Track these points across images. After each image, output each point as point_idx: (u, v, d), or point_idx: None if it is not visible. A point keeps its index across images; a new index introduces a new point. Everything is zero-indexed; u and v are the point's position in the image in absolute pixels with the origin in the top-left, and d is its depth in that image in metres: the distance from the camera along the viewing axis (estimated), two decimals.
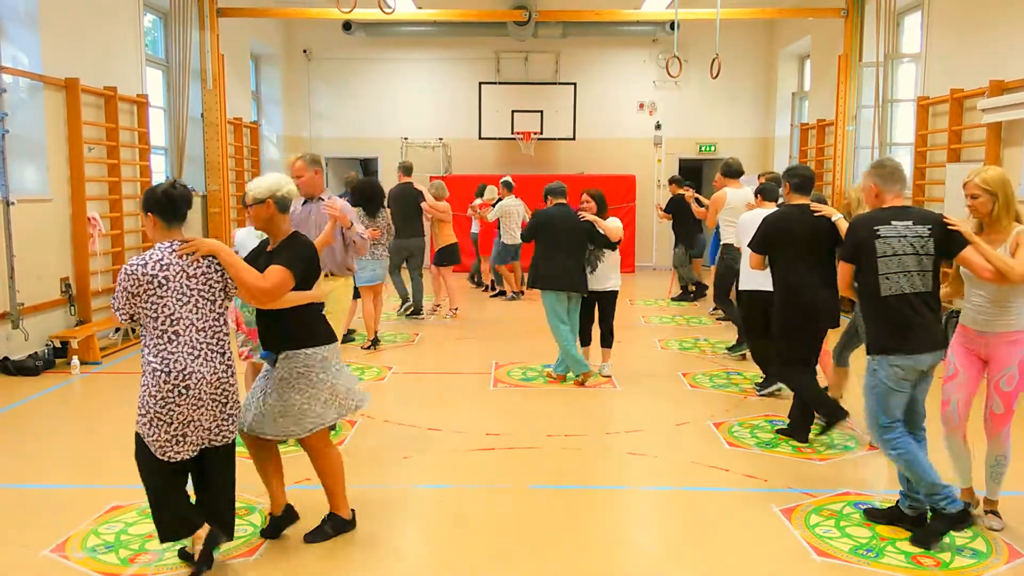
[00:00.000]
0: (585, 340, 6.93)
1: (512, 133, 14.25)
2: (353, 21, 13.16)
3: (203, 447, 3.41)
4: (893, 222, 3.77)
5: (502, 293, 11.30)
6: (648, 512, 4.34)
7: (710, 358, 7.69)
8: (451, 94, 14.77)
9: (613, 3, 12.39)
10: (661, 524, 4.19)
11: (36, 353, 7.21)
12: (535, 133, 14.22)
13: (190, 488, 3.52)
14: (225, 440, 3.47)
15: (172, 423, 3.28)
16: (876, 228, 3.76)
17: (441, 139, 14.86)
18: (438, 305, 9.98)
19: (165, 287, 3.27)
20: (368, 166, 15.90)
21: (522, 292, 11.01)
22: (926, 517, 3.85)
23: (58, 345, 7.41)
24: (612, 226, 6.59)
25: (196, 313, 3.33)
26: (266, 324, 3.68)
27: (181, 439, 3.32)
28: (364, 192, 8.01)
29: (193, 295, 3.33)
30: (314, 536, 3.84)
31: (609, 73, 14.80)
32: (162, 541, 3.45)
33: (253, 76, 13.71)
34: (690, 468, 4.79)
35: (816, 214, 4.95)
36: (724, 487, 4.54)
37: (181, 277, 3.31)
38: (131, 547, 3.76)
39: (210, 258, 3.39)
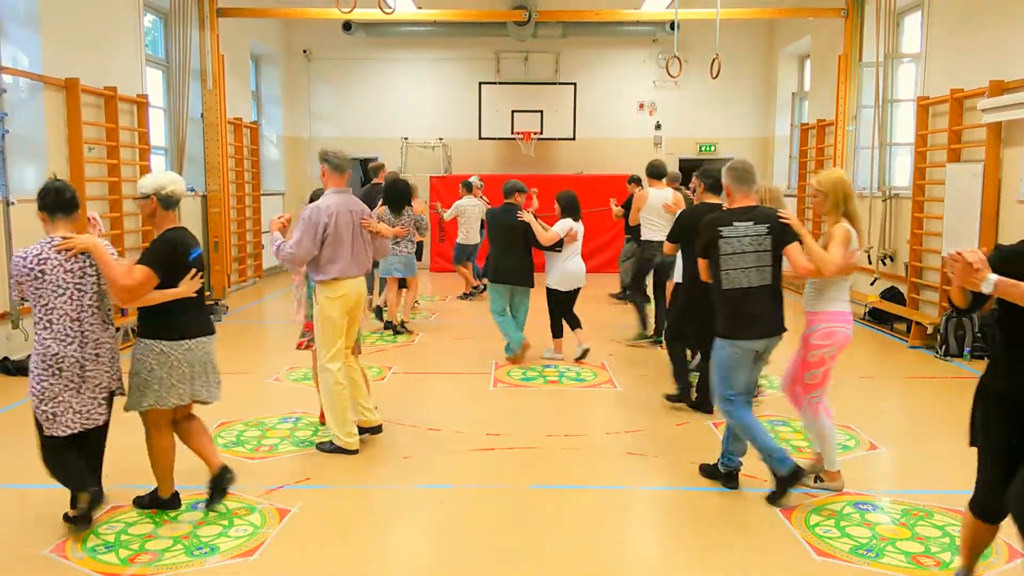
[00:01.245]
0: (557, 332, 7.54)
1: (512, 133, 14.25)
2: (353, 21, 13.16)
3: (82, 428, 3.76)
4: (735, 223, 4.18)
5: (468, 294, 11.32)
6: (648, 512, 4.34)
7: None
8: (451, 94, 14.77)
9: (613, 3, 12.40)
10: (661, 524, 4.19)
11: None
12: (535, 133, 14.22)
13: None
14: (96, 423, 3.83)
15: (48, 401, 3.71)
16: (719, 229, 4.19)
17: (441, 139, 14.86)
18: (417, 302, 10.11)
19: (42, 280, 3.66)
20: (368, 166, 15.87)
21: (476, 289, 11.13)
22: (735, 476, 4.44)
23: None
24: (542, 232, 7.13)
25: (70, 304, 3.71)
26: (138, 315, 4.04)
27: (57, 416, 3.72)
28: (388, 191, 8.42)
29: (68, 288, 3.71)
30: (139, 501, 4.14)
31: (609, 73, 14.80)
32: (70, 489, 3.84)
33: (253, 76, 13.71)
34: (690, 468, 4.79)
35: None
36: (724, 487, 4.54)
37: (58, 271, 3.69)
38: (131, 547, 3.76)
39: (86, 255, 3.74)
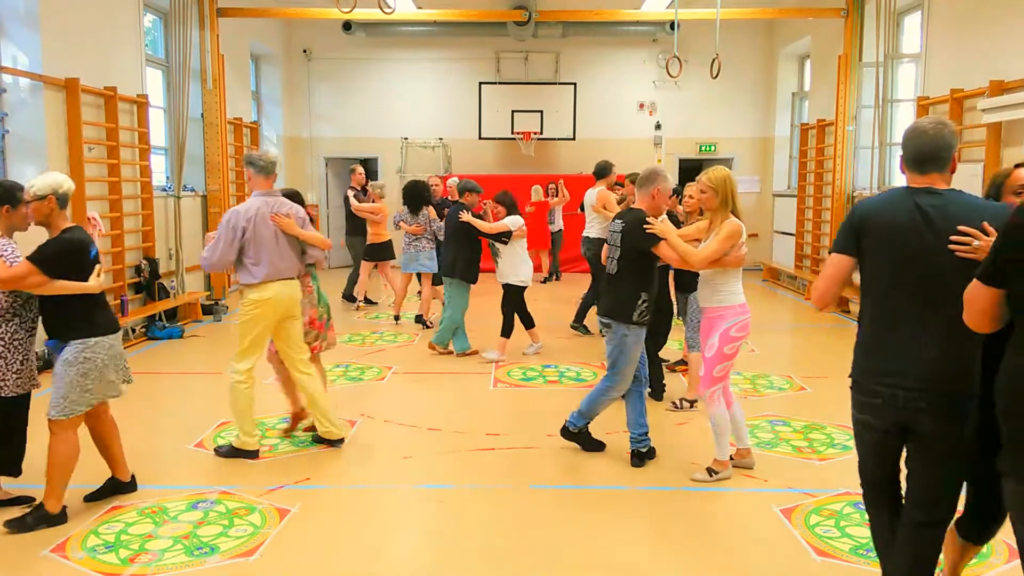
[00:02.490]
0: (506, 330, 7.61)
1: (512, 133, 14.25)
2: (353, 21, 13.16)
3: None
4: (615, 220, 4.89)
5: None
6: (648, 512, 4.34)
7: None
8: (451, 94, 14.77)
9: (613, 3, 12.39)
10: (661, 524, 4.18)
11: (36, 353, 7.18)
12: (535, 133, 14.22)
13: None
14: None
15: None
16: (611, 224, 4.94)
17: (441, 139, 14.86)
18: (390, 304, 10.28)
19: None
20: (369, 166, 15.89)
21: None
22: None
23: None
24: (484, 224, 7.42)
25: None
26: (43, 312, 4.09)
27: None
28: (407, 193, 8.97)
29: None
30: (14, 525, 3.92)
31: (609, 73, 14.80)
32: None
33: (253, 76, 13.71)
34: (690, 468, 4.79)
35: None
36: (724, 487, 4.54)
37: None
38: (131, 547, 3.76)
39: None
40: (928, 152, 2.70)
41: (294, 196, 5.29)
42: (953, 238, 2.55)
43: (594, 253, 7.71)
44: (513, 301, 7.55)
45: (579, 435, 5.10)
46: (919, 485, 2.76)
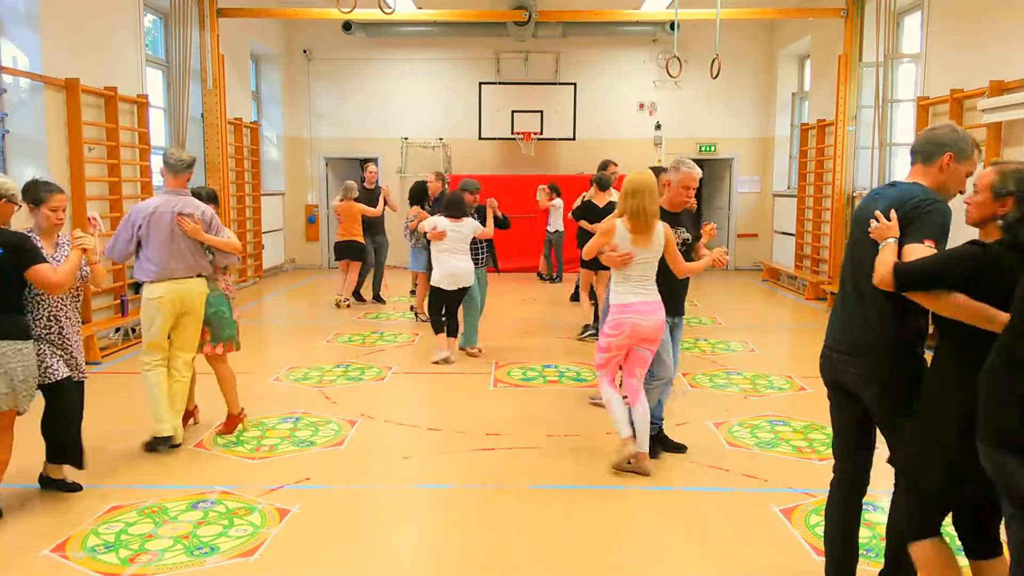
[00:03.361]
0: (452, 330, 7.59)
1: (512, 133, 14.25)
2: (353, 21, 13.16)
3: None
4: None
5: None
6: (648, 512, 4.34)
7: (710, 358, 7.69)
8: (451, 94, 14.77)
9: (613, 3, 12.40)
10: (661, 524, 4.19)
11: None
12: (535, 133, 14.22)
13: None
14: None
15: None
16: None
17: (441, 139, 14.86)
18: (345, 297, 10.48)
19: None
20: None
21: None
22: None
23: None
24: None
25: None
26: None
27: None
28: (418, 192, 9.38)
29: None
30: None
31: (609, 73, 14.80)
32: None
33: (253, 76, 13.72)
34: (690, 468, 4.79)
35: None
36: (724, 487, 4.54)
37: None
38: (131, 547, 3.76)
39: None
40: (915, 145, 3.00)
41: (207, 196, 5.27)
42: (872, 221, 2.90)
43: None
44: (440, 301, 7.50)
45: (655, 438, 4.93)
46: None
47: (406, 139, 14.84)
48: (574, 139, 14.29)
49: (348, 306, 10.32)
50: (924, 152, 2.95)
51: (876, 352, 2.91)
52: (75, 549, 3.74)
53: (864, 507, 4.17)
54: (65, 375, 4.20)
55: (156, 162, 9.75)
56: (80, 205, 7.86)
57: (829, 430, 5.43)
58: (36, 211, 4.22)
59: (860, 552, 3.71)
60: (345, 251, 10.28)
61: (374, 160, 15.03)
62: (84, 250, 4.17)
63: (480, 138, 14.36)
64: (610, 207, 7.46)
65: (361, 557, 3.73)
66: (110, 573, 3.54)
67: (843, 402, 3.12)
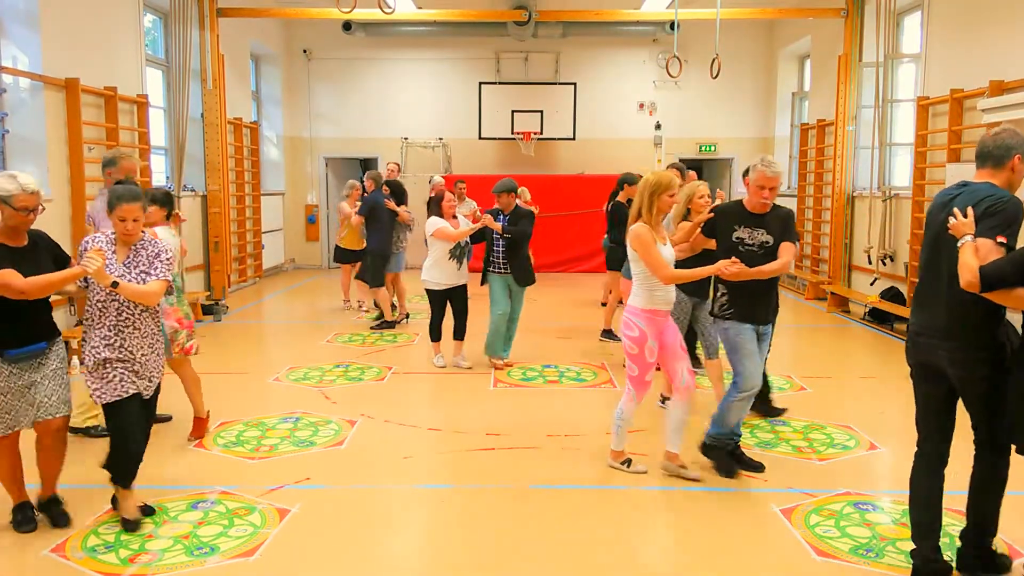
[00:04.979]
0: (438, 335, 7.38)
1: (512, 133, 14.25)
2: (353, 21, 13.16)
3: None
4: None
5: None
6: (648, 512, 4.34)
7: None
8: (451, 94, 14.77)
9: (613, 3, 12.39)
10: (661, 524, 4.19)
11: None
12: (535, 133, 14.22)
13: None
14: None
15: None
16: None
17: (441, 139, 14.86)
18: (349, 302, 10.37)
19: None
20: (369, 166, 15.90)
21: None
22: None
23: None
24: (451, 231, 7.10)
25: None
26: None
27: None
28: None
29: None
30: None
31: (609, 73, 14.79)
32: None
33: (253, 76, 13.71)
34: (690, 468, 4.79)
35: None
36: (724, 487, 4.54)
37: None
38: (131, 547, 3.76)
39: None
40: (983, 150, 3.32)
41: (158, 198, 5.05)
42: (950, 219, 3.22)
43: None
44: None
45: (713, 449, 4.74)
46: None
47: (406, 139, 14.84)
48: (574, 139, 14.29)
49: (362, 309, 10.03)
50: (995, 156, 3.26)
51: (961, 334, 3.23)
52: (75, 549, 3.74)
53: (864, 507, 4.19)
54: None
55: (156, 162, 9.78)
56: (80, 205, 7.86)
57: (829, 430, 5.48)
58: (111, 216, 3.90)
59: (860, 552, 3.73)
60: (354, 253, 10.03)
61: (374, 160, 15.05)
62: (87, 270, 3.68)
63: (480, 138, 14.36)
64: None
65: (361, 557, 3.73)
66: (110, 573, 3.53)
67: (931, 380, 3.42)
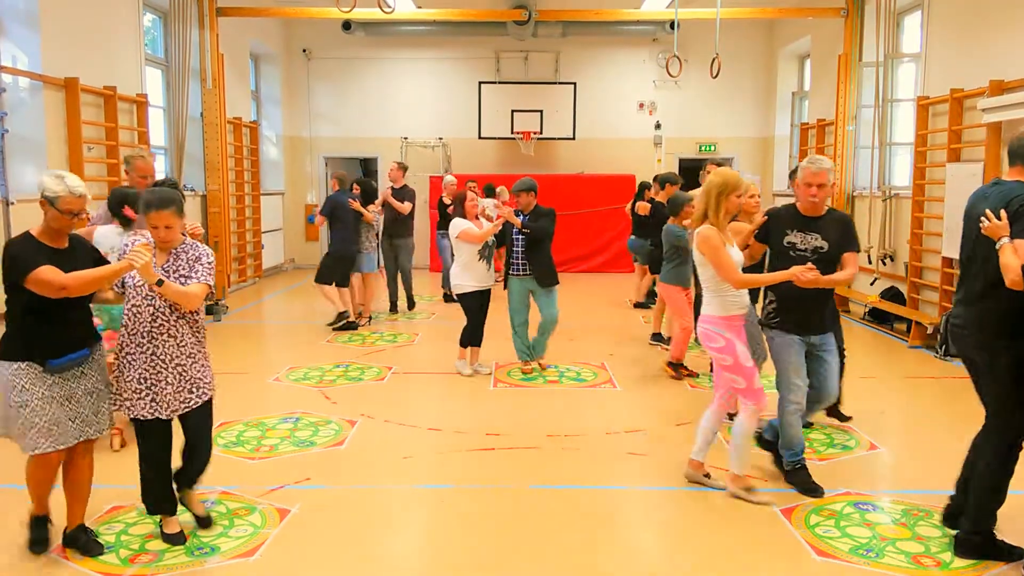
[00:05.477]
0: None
1: (512, 133, 14.24)
2: (353, 21, 13.16)
3: None
4: None
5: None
6: (648, 512, 4.34)
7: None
8: (451, 94, 14.76)
9: (613, 3, 12.39)
10: (661, 524, 4.18)
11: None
12: (535, 133, 14.22)
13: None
14: None
15: None
16: None
17: (441, 139, 14.86)
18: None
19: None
20: (368, 166, 15.90)
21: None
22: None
23: None
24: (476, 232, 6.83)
25: None
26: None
27: None
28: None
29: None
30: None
31: (609, 73, 14.79)
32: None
33: (253, 76, 13.71)
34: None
35: None
36: (724, 487, 4.54)
37: None
38: (131, 547, 3.76)
39: None
40: (1013, 148, 3.53)
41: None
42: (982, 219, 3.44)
43: None
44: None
45: (796, 473, 4.48)
46: None
47: (406, 139, 14.83)
48: (574, 139, 14.29)
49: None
50: (1021, 155, 3.51)
51: (989, 327, 3.50)
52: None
53: (864, 507, 4.19)
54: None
55: (156, 162, 9.76)
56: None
57: (829, 430, 5.47)
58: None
59: (860, 552, 3.72)
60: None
61: (374, 160, 15.06)
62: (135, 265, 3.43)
63: (480, 137, 14.35)
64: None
65: (361, 557, 3.73)
66: (110, 573, 3.53)
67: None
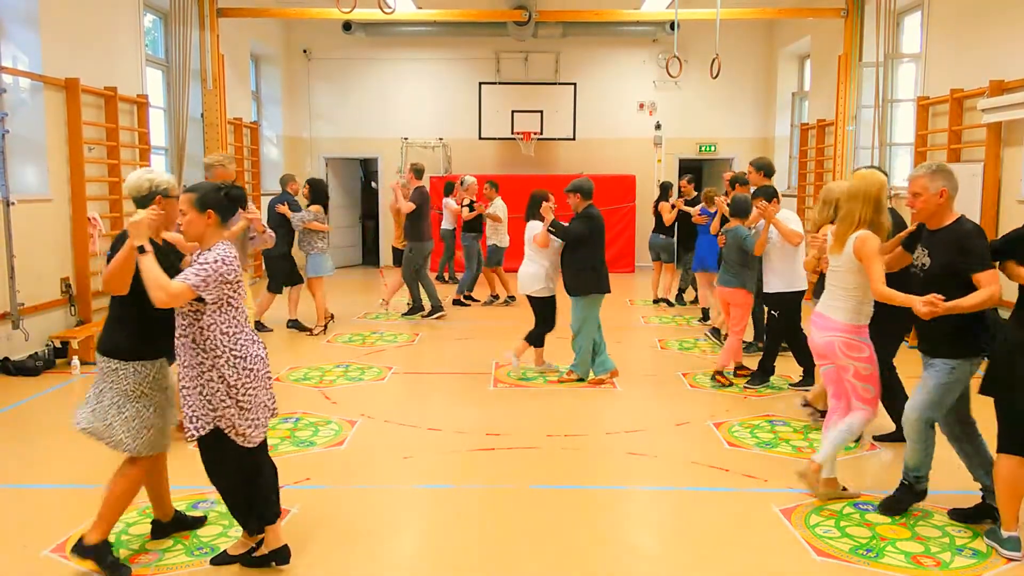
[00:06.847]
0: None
1: (512, 133, 14.25)
2: (353, 21, 13.16)
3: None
4: None
5: (495, 298, 10.80)
6: (648, 512, 4.34)
7: (710, 358, 7.68)
8: (451, 94, 14.77)
9: (613, 3, 12.40)
10: (661, 524, 4.19)
11: (36, 353, 7.21)
12: (535, 133, 14.22)
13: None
14: None
15: (252, 408, 3.48)
16: None
17: (441, 139, 14.87)
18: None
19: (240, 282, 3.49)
20: (368, 166, 15.92)
21: (513, 297, 10.48)
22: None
23: (58, 345, 7.41)
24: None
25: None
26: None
27: (262, 422, 3.52)
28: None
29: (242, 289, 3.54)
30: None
31: (609, 73, 14.80)
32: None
33: (253, 76, 13.71)
34: (690, 468, 4.79)
35: None
36: (724, 487, 4.54)
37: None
38: (131, 547, 3.76)
39: None
40: None
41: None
42: None
43: None
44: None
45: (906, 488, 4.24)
46: None
47: (406, 139, 14.84)
48: (574, 139, 14.30)
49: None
50: None
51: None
52: None
53: (864, 507, 4.19)
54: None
55: (156, 162, 9.77)
56: (80, 205, 7.87)
57: None
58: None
59: (860, 552, 3.73)
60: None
61: (374, 160, 15.05)
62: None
63: (480, 138, 14.36)
64: None
65: (361, 557, 3.73)
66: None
67: None
